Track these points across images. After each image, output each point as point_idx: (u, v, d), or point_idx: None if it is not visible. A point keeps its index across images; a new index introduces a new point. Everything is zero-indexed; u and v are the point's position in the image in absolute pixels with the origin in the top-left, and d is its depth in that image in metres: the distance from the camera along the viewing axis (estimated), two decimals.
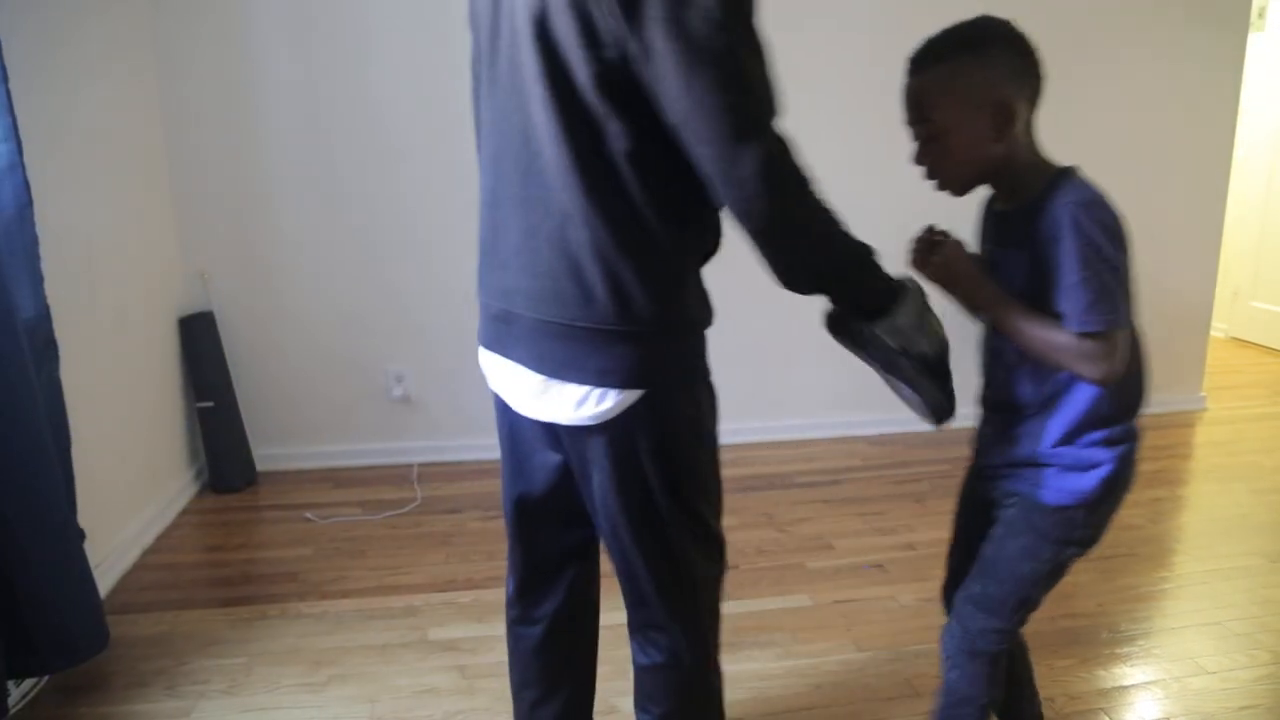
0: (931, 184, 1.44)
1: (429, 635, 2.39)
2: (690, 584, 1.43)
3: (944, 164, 1.39)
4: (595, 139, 1.13)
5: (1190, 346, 4.18)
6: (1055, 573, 1.49)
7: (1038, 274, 1.33)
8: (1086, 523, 1.45)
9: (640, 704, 1.53)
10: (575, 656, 1.68)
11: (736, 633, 2.39)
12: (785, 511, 3.18)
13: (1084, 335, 1.28)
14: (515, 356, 1.30)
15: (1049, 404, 1.42)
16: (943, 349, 1.34)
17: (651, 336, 1.22)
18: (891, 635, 2.38)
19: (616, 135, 1.12)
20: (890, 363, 1.30)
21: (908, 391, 1.33)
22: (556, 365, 1.24)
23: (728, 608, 2.49)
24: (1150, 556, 2.85)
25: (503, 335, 1.33)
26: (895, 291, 1.30)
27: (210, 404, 3.30)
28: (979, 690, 1.55)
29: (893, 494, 3.33)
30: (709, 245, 1.31)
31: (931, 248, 1.43)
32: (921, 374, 1.31)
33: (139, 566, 2.77)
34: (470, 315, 3.64)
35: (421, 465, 3.53)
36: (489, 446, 3.63)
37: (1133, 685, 2.18)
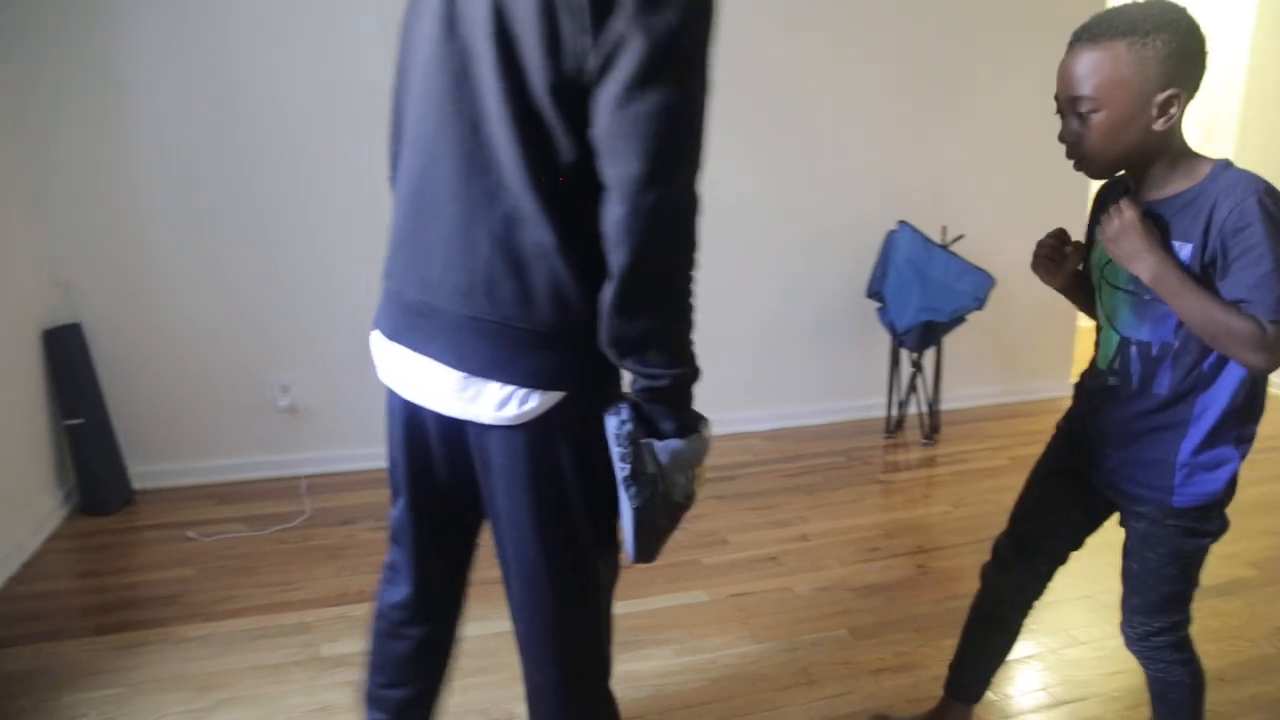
0: (1072, 162, 1.41)
1: (322, 652, 2.33)
2: (591, 591, 1.42)
3: (1096, 142, 1.35)
4: (546, 145, 1.12)
5: (1059, 337, 4.40)
6: (1200, 559, 1.54)
7: (1207, 263, 1.33)
8: (1219, 514, 1.52)
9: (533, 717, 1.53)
10: (444, 657, 1.70)
11: (634, 631, 2.40)
12: None
13: (1268, 323, 1.29)
14: (430, 351, 1.25)
15: (1186, 398, 1.43)
16: (685, 505, 1.31)
17: (584, 341, 1.20)
18: (787, 626, 2.43)
19: (564, 145, 1.12)
20: (640, 484, 1.24)
21: (629, 520, 1.28)
22: (482, 363, 1.21)
23: (625, 607, 2.52)
24: None
25: (416, 327, 1.28)
26: (695, 421, 1.26)
27: (80, 421, 3.14)
28: (1186, 672, 1.64)
29: (786, 487, 3.40)
30: None
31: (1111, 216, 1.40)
32: (656, 513, 1.27)
33: (3, 598, 2.62)
34: (361, 321, 3.57)
35: (311, 477, 3.44)
36: (380, 455, 3.58)
37: (1014, 659, 2.27)
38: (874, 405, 4.09)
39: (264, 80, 3.16)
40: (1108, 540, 2.95)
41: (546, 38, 1.07)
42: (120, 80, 3.07)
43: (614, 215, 1.08)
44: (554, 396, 1.21)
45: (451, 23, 1.17)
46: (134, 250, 3.21)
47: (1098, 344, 1.57)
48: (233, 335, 3.35)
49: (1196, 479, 1.47)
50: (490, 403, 1.22)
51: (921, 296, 3.55)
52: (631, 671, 2.23)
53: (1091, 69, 1.31)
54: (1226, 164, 1.36)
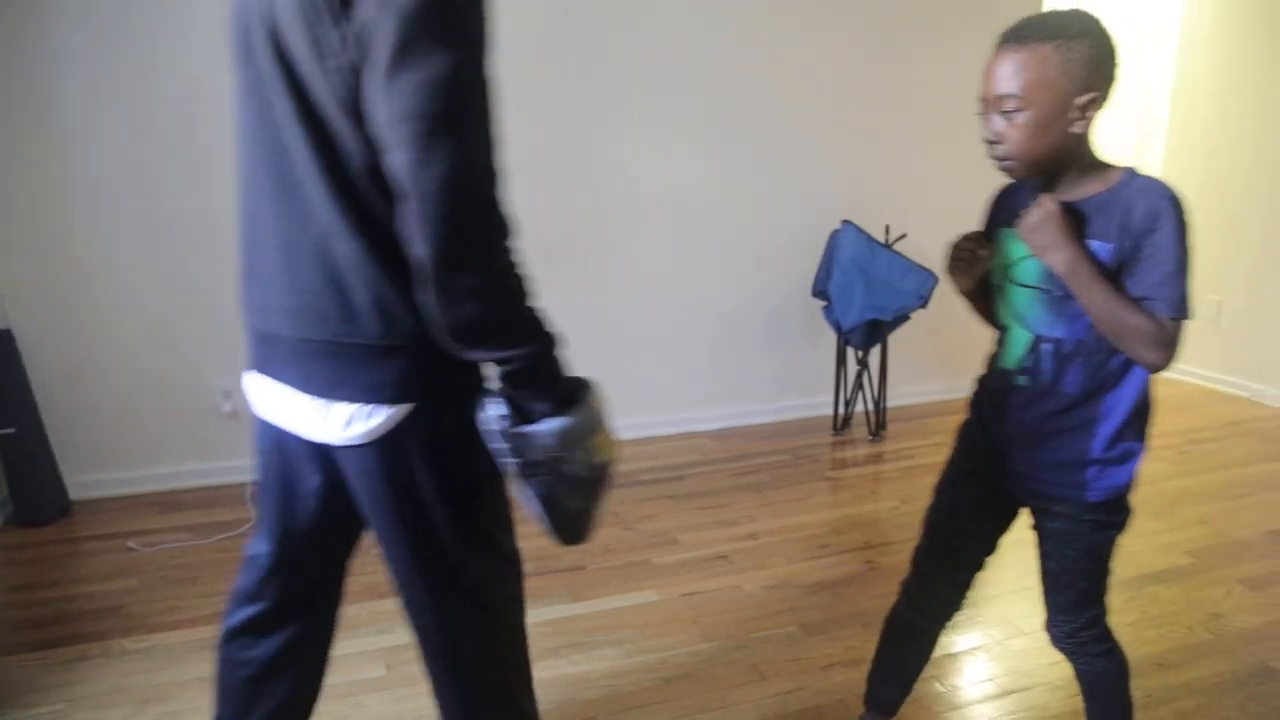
0: (997, 160, 1.43)
1: None
2: (477, 608, 1.36)
3: (1021, 140, 1.38)
4: (339, 155, 1.10)
5: (990, 334, 4.47)
6: (1111, 549, 1.59)
7: (1121, 262, 1.38)
8: (1125, 505, 1.55)
9: None
10: (300, 687, 1.60)
11: (586, 632, 2.40)
12: (631, 509, 3.21)
13: (1167, 320, 1.37)
14: (284, 378, 1.24)
15: (1095, 397, 1.47)
16: (596, 477, 1.25)
17: (419, 350, 1.17)
18: (738, 624, 2.45)
19: (357, 150, 1.09)
20: (534, 472, 1.21)
21: (538, 509, 1.25)
22: (325, 384, 1.19)
23: (577, 609, 2.52)
24: None
25: (268, 357, 1.27)
26: (573, 392, 1.21)
27: (11, 430, 3.05)
28: (1111, 662, 1.70)
29: (734, 486, 3.42)
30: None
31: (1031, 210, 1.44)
32: (563, 496, 1.23)
33: None
34: None
35: (255, 484, 3.37)
36: None
37: (960, 652, 2.31)
38: (821, 403, 4.13)
39: (207, 86, 3.10)
40: None
41: (310, 44, 1.05)
42: (49, 80, 2.99)
43: (405, 207, 1.04)
44: (401, 409, 1.18)
45: (249, 50, 1.16)
46: (66, 255, 3.13)
47: (1002, 345, 1.58)
48: (172, 340, 3.28)
49: (1108, 473, 1.51)
50: (338, 423, 1.19)
51: (866, 295, 3.59)
52: (584, 672, 2.23)
53: (1019, 69, 1.35)
54: (1134, 171, 1.42)
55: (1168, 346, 1.39)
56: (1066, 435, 1.50)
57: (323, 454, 1.29)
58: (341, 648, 2.33)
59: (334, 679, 2.20)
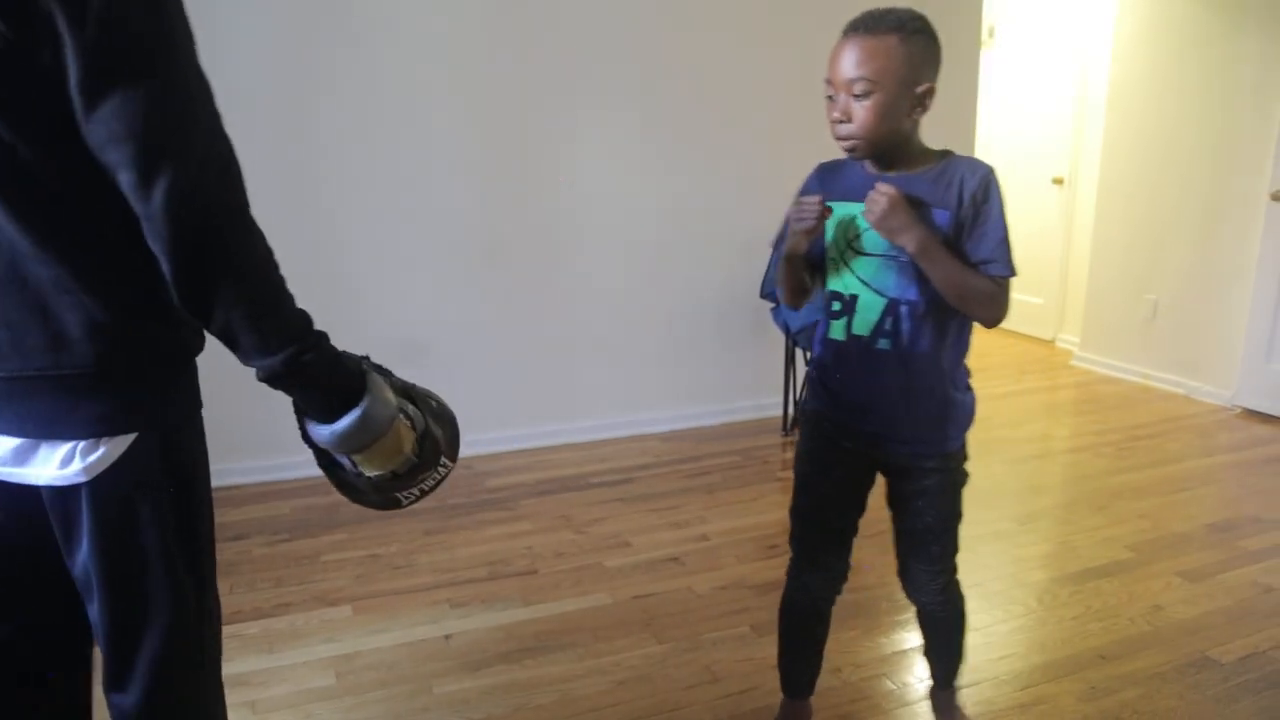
0: (842, 140, 1.56)
1: None
2: (201, 669, 1.24)
3: (868, 120, 1.49)
4: (25, 175, 0.98)
5: None
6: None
7: (958, 225, 1.52)
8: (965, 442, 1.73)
9: None
10: None
11: (538, 637, 2.38)
12: (581, 513, 3.20)
13: (1004, 280, 1.53)
14: None
15: (940, 353, 1.61)
16: (380, 481, 1.17)
17: (139, 374, 1.08)
18: (689, 626, 2.44)
19: (54, 169, 0.98)
20: (323, 464, 1.18)
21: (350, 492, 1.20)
22: (40, 423, 1.06)
23: (528, 613, 2.51)
24: None
25: None
26: (351, 398, 1.12)
27: None
28: (963, 601, 1.86)
29: (685, 488, 3.42)
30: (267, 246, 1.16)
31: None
32: (356, 490, 1.20)
33: None
34: None
35: None
36: (272, 468, 3.49)
37: (911, 649, 2.33)
38: (770, 405, 4.15)
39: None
40: (995, 530, 3.07)
41: None
42: None
43: (144, 228, 0.96)
44: (124, 440, 1.08)
45: None
46: None
47: (848, 314, 1.63)
48: None
49: (960, 422, 1.68)
50: (54, 461, 1.07)
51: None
52: (536, 676, 2.21)
53: (869, 55, 1.48)
54: (954, 152, 1.59)
55: (1005, 304, 1.55)
56: (926, 393, 1.63)
57: (30, 501, 1.11)
58: (289, 657, 2.30)
59: (282, 689, 2.17)
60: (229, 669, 2.22)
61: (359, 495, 1.22)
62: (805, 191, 1.69)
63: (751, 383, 4.18)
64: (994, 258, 1.52)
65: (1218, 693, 2.14)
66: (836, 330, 1.65)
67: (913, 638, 2.38)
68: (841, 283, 1.63)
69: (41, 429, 1.06)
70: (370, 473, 1.15)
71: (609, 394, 3.96)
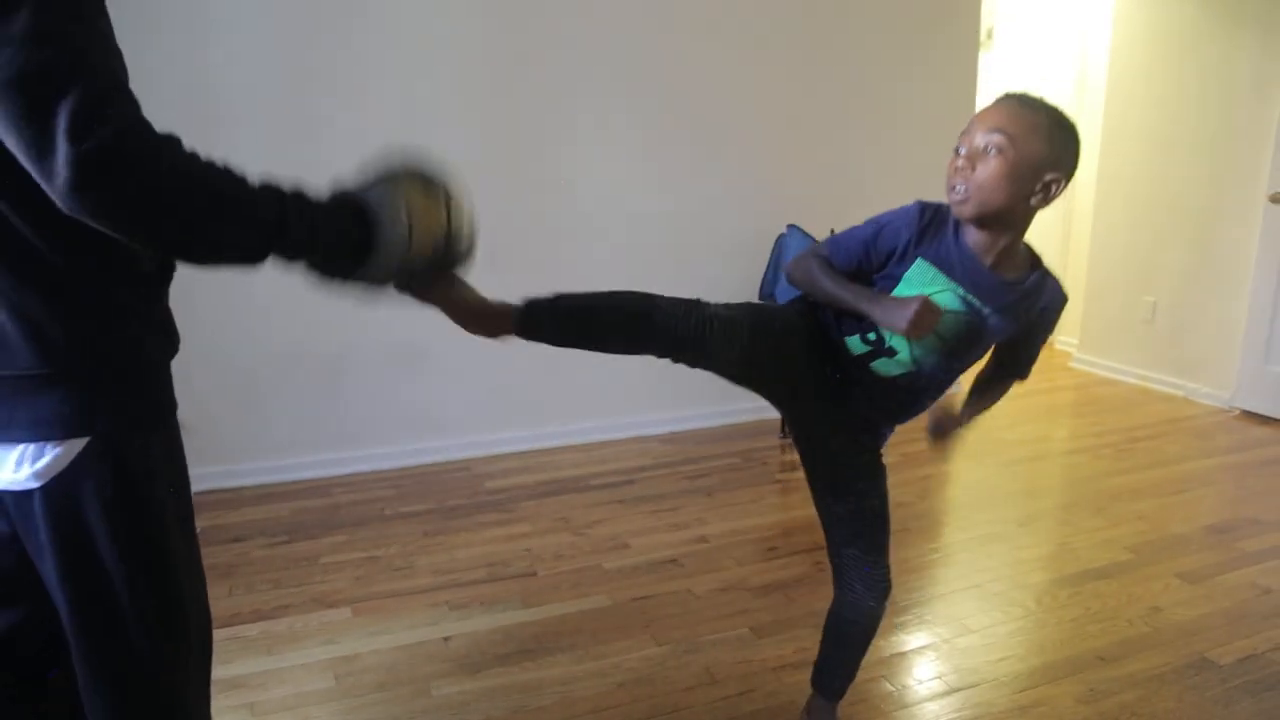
0: (955, 190, 1.49)
1: (214, 674, 2.22)
2: (159, 695, 1.19)
3: (987, 178, 1.45)
4: None
5: None
6: None
7: (1009, 337, 1.63)
8: None
9: None
10: None
11: (537, 639, 2.38)
12: (581, 514, 3.20)
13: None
14: None
15: (947, 386, 1.71)
16: (445, 244, 1.20)
17: (87, 376, 1.05)
18: (688, 627, 2.44)
19: None
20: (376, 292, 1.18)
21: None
22: None
23: (527, 615, 2.51)
24: (921, 530, 3.07)
25: None
26: (365, 216, 1.12)
27: None
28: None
29: (684, 490, 3.42)
30: (144, 269, 1.11)
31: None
32: (424, 277, 1.25)
33: None
34: (242, 332, 3.47)
35: (199, 494, 3.29)
36: (271, 470, 3.49)
37: (909, 650, 2.34)
38: (769, 407, 4.13)
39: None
40: (994, 531, 3.07)
41: None
42: None
43: (54, 191, 0.88)
44: (73, 445, 1.04)
45: None
46: None
47: (878, 354, 1.62)
48: None
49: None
50: (8, 465, 1.04)
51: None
52: (535, 678, 2.22)
53: (1016, 119, 1.44)
54: (1044, 269, 1.59)
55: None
56: (921, 407, 1.72)
57: None
58: (288, 659, 2.30)
59: (281, 691, 2.17)
60: (228, 671, 2.23)
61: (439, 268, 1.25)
62: (894, 230, 1.58)
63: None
64: (1025, 366, 1.71)
65: (1216, 694, 2.14)
66: (852, 345, 1.63)
67: (911, 639, 2.38)
68: (888, 332, 1.58)
69: None
70: (432, 250, 1.18)
71: (608, 396, 3.96)
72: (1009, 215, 1.48)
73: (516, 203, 3.64)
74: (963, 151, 1.47)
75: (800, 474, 3.61)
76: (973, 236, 1.52)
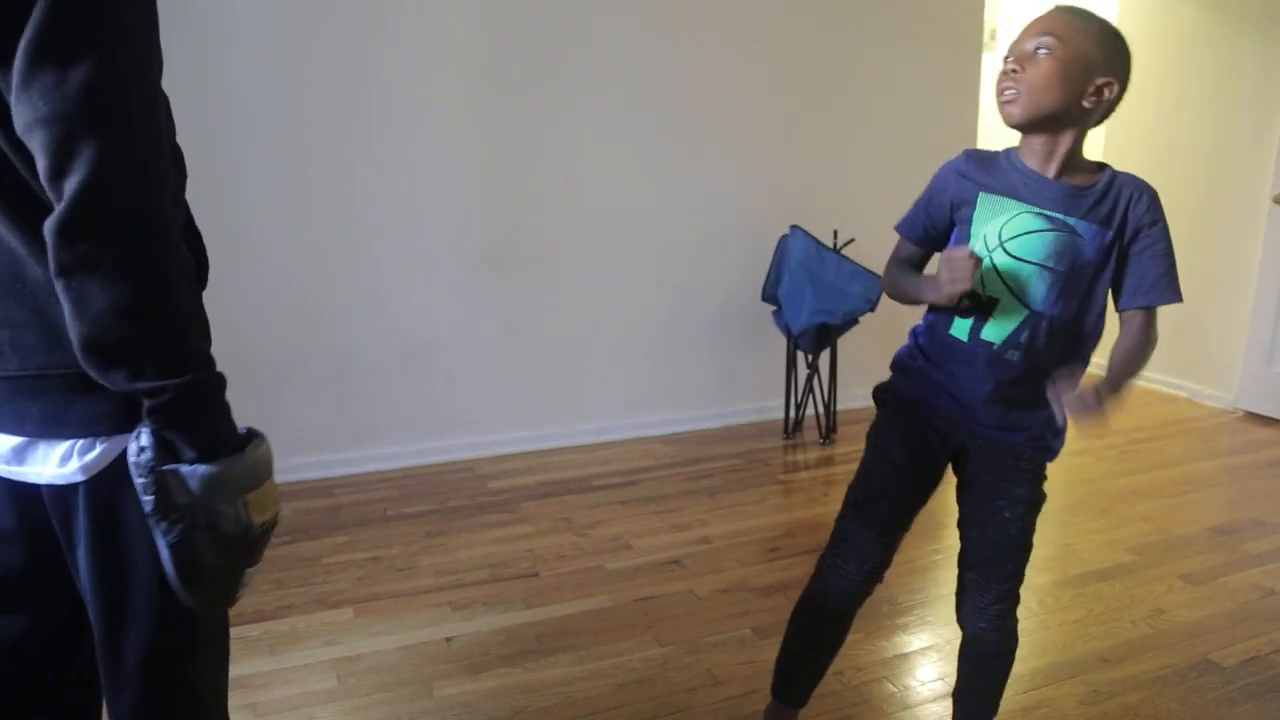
0: (1006, 93, 1.46)
1: None
2: (188, 674, 1.21)
3: (1038, 78, 1.43)
4: (16, 170, 0.97)
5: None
6: None
7: (1119, 249, 1.50)
8: None
9: None
10: None
11: (539, 639, 2.38)
12: (583, 515, 3.20)
13: (1154, 310, 1.54)
14: None
15: (1071, 361, 1.55)
16: (248, 537, 1.09)
17: None
18: (691, 628, 2.44)
19: (27, 168, 0.96)
20: (169, 518, 1.05)
21: (167, 560, 1.06)
22: (39, 423, 1.06)
23: (530, 615, 2.51)
24: (923, 532, 3.05)
25: None
26: (233, 439, 1.08)
27: None
28: (1016, 641, 1.77)
29: (686, 490, 3.42)
30: (188, 269, 1.12)
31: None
32: (200, 550, 1.07)
33: None
34: (245, 328, 3.47)
35: None
36: (280, 468, 3.47)
37: (911, 652, 2.34)
38: (771, 407, 4.15)
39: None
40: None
41: None
42: None
43: (53, 212, 0.91)
44: (122, 440, 1.06)
45: None
46: None
47: (984, 317, 1.53)
48: None
49: (1061, 438, 1.64)
50: (53, 460, 1.07)
51: (815, 299, 3.62)
52: (537, 679, 2.22)
53: (1064, 24, 1.44)
54: (1113, 168, 1.52)
55: (1156, 337, 1.56)
56: (1037, 406, 1.56)
57: (30, 501, 1.12)
58: (291, 659, 2.30)
59: (284, 691, 2.17)
60: (231, 671, 2.22)
61: (216, 564, 1.08)
62: (944, 180, 1.58)
63: (753, 386, 4.18)
64: (1164, 283, 1.52)
65: (1219, 696, 2.13)
66: (959, 329, 1.55)
67: (915, 640, 2.38)
68: (982, 280, 1.50)
69: (39, 428, 1.06)
70: (257, 520, 1.09)
71: (610, 396, 3.96)
72: (1063, 117, 1.45)
73: (519, 203, 3.64)
74: (1011, 59, 1.46)
75: (802, 474, 3.63)
76: (1030, 152, 1.50)
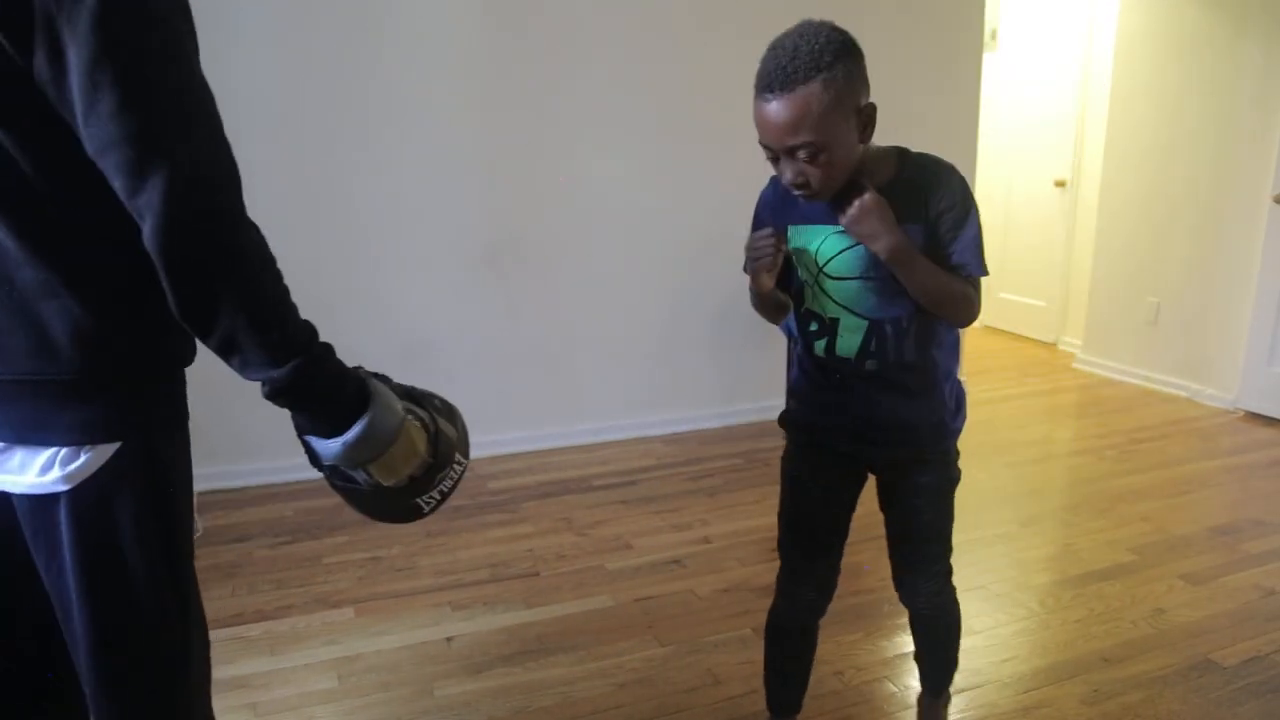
0: (805, 199, 1.46)
1: (217, 674, 2.20)
2: (176, 682, 1.20)
3: (829, 177, 1.40)
4: (8, 170, 0.96)
5: None
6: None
7: (932, 238, 1.47)
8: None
9: None
10: None
11: (540, 639, 2.38)
12: (583, 515, 3.20)
13: (977, 280, 1.50)
14: None
15: (928, 355, 1.57)
16: (396, 488, 1.14)
17: (126, 380, 1.07)
18: (691, 628, 2.44)
19: (31, 170, 0.96)
20: (328, 477, 1.14)
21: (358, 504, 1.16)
22: (21, 429, 1.04)
23: (529, 615, 2.50)
24: None
25: None
26: (353, 410, 1.08)
27: None
28: (957, 606, 1.83)
29: (687, 490, 3.42)
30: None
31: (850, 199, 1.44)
32: (365, 501, 1.15)
33: None
34: None
35: (202, 494, 3.31)
36: (275, 469, 3.49)
37: (912, 652, 2.33)
38: (772, 407, 4.11)
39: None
40: (997, 533, 3.07)
41: None
42: None
43: (143, 230, 0.94)
44: (107, 449, 1.06)
45: None
46: None
47: (832, 336, 1.58)
48: None
49: (957, 419, 1.66)
50: (33, 468, 1.05)
51: None
52: (537, 679, 2.22)
53: (799, 116, 1.35)
54: (903, 149, 1.53)
55: (978, 304, 1.52)
56: (920, 397, 1.60)
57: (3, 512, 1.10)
58: (291, 659, 2.30)
59: (284, 691, 2.17)
60: (231, 671, 2.23)
61: (380, 508, 1.18)
62: (759, 217, 1.64)
63: (754, 385, 4.18)
64: (968, 259, 1.48)
65: (1220, 696, 2.13)
66: (818, 349, 1.61)
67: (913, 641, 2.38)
68: (819, 304, 1.58)
69: (21, 434, 1.04)
70: (387, 482, 1.12)
71: (611, 396, 3.96)
72: (856, 164, 1.44)
73: (519, 203, 3.64)
74: (786, 168, 1.42)
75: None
76: None
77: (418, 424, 1.15)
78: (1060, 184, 5.52)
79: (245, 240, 0.99)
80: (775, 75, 1.37)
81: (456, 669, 2.26)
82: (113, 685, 1.14)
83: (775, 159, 1.44)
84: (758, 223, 1.64)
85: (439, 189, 3.52)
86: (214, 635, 2.44)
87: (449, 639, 2.40)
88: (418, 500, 1.17)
